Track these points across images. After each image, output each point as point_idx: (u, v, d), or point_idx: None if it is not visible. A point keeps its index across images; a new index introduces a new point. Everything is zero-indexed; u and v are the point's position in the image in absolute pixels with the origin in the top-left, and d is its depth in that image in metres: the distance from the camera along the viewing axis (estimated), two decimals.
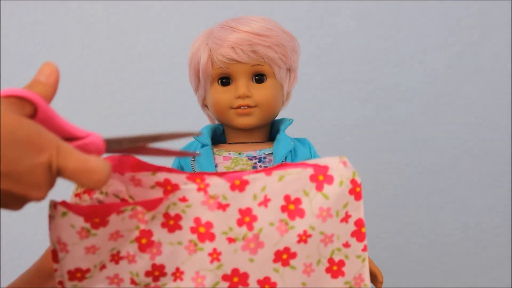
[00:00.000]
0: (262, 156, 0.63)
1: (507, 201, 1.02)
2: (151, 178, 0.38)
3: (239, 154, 0.64)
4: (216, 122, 0.69)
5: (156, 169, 0.38)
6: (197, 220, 0.38)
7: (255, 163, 0.63)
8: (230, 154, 0.64)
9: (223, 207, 0.38)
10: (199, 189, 0.38)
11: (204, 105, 0.68)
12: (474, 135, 1.02)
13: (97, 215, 0.35)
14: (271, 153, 0.64)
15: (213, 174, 0.39)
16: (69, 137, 0.34)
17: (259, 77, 0.63)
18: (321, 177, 0.39)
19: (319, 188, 0.39)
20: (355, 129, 1.04)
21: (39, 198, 0.31)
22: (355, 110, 1.04)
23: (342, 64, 1.04)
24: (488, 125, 1.02)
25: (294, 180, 0.38)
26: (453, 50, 1.02)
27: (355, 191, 0.39)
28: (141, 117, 1.08)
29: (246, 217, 0.38)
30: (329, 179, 0.39)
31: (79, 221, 0.35)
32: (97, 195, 0.38)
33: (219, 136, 0.69)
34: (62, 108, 1.19)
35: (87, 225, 0.35)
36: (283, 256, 0.39)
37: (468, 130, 1.02)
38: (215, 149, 0.65)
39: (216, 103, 0.64)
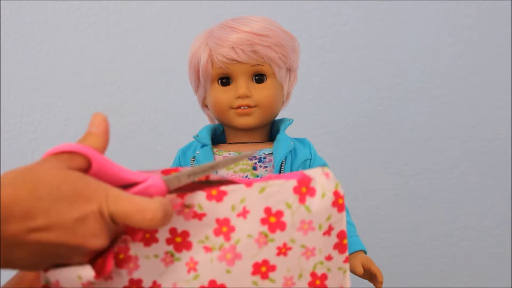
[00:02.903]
0: (262, 156, 0.63)
1: (507, 201, 1.02)
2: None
3: (239, 154, 0.64)
4: (216, 122, 0.69)
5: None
6: (172, 231, 0.37)
7: (255, 163, 0.63)
8: (230, 154, 0.64)
9: (199, 216, 0.37)
10: None
11: (204, 105, 0.68)
12: (474, 135, 1.02)
13: (106, 272, 0.34)
14: (271, 153, 0.63)
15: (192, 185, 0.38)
16: (128, 184, 0.34)
17: (259, 77, 0.63)
18: (304, 189, 0.38)
19: (302, 200, 0.38)
20: (355, 129, 1.04)
21: (99, 246, 0.32)
22: (355, 110, 1.04)
23: (342, 64, 1.04)
24: (488, 125, 1.02)
25: (276, 192, 0.38)
26: (453, 50, 1.02)
27: (338, 203, 0.39)
28: (141, 117, 1.08)
29: (224, 227, 0.37)
30: (312, 192, 0.38)
31: (89, 276, 0.33)
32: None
33: (219, 136, 0.69)
34: (62, 108, 1.19)
35: (95, 282, 0.34)
36: (262, 269, 0.38)
37: (468, 130, 1.02)
38: (215, 149, 0.65)
39: (216, 103, 0.63)
